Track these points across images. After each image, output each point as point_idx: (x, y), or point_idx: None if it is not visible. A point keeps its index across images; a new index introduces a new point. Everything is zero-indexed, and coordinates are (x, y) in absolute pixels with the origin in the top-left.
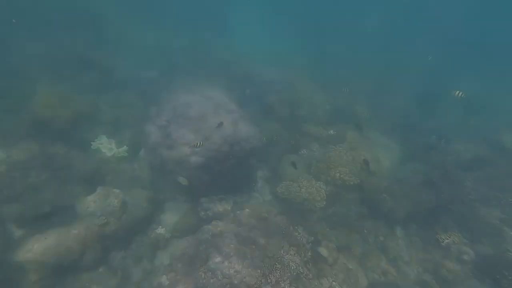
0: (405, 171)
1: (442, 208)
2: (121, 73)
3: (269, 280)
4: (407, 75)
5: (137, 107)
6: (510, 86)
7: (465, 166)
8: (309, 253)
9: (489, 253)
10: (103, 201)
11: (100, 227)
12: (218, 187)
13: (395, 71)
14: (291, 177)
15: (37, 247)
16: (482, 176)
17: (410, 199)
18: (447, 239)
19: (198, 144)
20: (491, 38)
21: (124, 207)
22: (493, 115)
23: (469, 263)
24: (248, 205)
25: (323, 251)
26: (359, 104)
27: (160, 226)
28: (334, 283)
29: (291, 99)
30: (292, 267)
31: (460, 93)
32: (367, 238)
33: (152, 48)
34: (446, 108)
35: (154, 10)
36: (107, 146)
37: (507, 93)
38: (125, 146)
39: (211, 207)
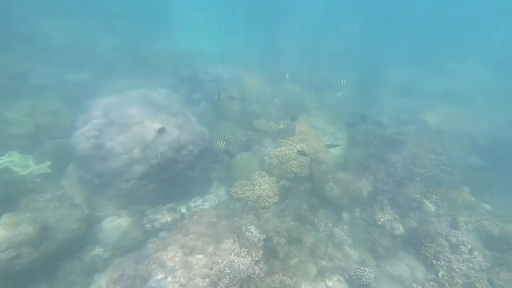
0: (350, 157)
1: (379, 189)
2: (39, 76)
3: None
4: (349, 64)
5: (61, 115)
6: (435, 70)
7: (396, 147)
8: (261, 252)
9: (413, 226)
10: (11, 230)
11: (6, 263)
12: (168, 195)
13: (336, 59)
14: (244, 175)
15: None
16: (408, 154)
17: (354, 184)
18: (382, 217)
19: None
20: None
21: (44, 233)
22: (420, 96)
23: (399, 237)
24: (197, 211)
25: (275, 247)
26: (307, 95)
27: (98, 246)
28: (284, 277)
29: (241, 96)
30: (243, 269)
31: (345, 81)
32: (318, 227)
33: (82, 47)
34: (384, 93)
35: (80, 4)
36: (20, 164)
37: (431, 76)
38: (47, 161)
39: (158, 218)
